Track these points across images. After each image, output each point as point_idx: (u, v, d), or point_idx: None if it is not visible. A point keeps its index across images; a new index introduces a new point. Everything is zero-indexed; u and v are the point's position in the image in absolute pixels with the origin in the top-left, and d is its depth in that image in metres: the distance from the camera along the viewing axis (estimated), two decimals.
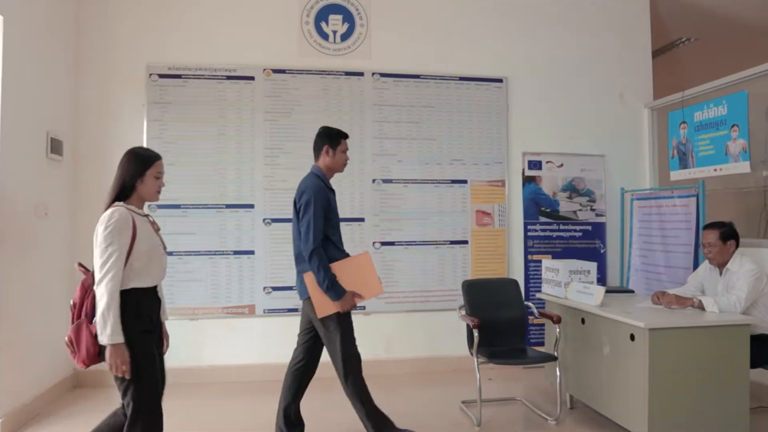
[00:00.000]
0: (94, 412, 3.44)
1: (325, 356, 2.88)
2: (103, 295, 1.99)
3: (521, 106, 4.53)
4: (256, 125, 4.16)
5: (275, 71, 4.19)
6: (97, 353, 2.07)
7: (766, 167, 3.87)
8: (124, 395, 2.10)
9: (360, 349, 4.08)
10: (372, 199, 4.27)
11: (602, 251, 4.60)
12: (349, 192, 4.23)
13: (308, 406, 2.98)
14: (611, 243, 4.64)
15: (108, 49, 4.05)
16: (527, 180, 4.51)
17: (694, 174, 4.28)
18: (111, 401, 3.66)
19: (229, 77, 4.14)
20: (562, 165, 4.57)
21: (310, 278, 2.70)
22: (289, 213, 4.16)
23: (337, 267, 2.70)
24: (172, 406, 3.55)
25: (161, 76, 4.07)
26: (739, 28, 5.46)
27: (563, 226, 4.55)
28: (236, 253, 4.11)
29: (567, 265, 3.45)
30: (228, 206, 4.11)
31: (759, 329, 3.03)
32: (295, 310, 4.18)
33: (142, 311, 2.11)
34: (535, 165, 4.53)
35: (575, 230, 4.57)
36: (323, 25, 4.28)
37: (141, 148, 2.25)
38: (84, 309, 2.09)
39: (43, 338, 3.55)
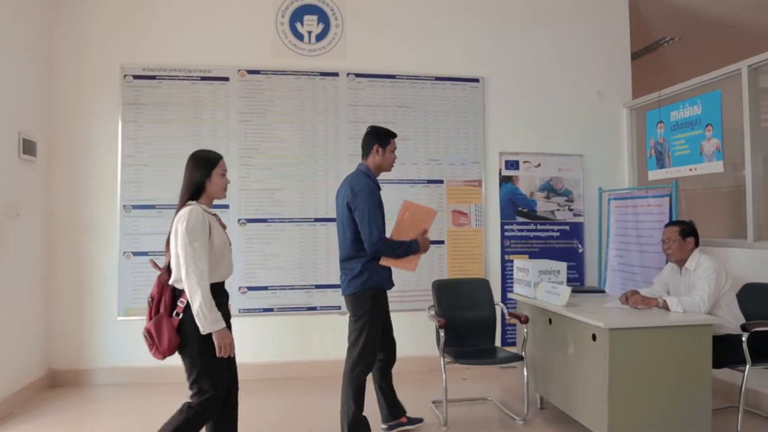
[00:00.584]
0: (68, 411, 3.47)
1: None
2: (196, 290, 2.12)
3: (498, 105, 4.52)
4: (230, 126, 4.17)
5: (250, 72, 4.20)
6: (177, 346, 2.20)
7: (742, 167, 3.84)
8: (193, 384, 2.23)
9: (337, 349, 4.13)
10: None
11: (580, 251, 4.59)
12: (324, 192, 4.24)
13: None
14: (589, 243, 4.63)
15: (82, 50, 4.07)
16: (504, 180, 4.51)
17: (671, 174, 4.27)
18: (86, 400, 3.69)
19: (203, 78, 4.15)
20: (539, 165, 4.56)
21: (387, 261, 2.86)
22: (264, 214, 4.25)
23: (393, 236, 2.89)
24: (145, 405, 3.59)
25: (136, 77, 4.08)
26: (722, 28, 5.43)
27: (541, 226, 4.54)
28: None
29: (537, 266, 3.45)
30: None
31: (723, 329, 3.02)
32: (271, 309, 4.20)
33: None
34: (512, 165, 4.52)
35: (553, 230, 4.56)
36: (298, 25, 4.29)
37: (203, 151, 2.40)
38: (163, 303, 2.23)
39: (17, 338, 3.57)
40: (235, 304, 4.13)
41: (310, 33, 4.30)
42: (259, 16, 4.25)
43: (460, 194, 4.43)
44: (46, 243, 3.94)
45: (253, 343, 4.14)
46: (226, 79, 4.17)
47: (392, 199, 4.31)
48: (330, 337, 4.23)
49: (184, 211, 2.23)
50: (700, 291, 2.98)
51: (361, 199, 2.79)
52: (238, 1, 4.24)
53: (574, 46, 4.68)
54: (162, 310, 2.22)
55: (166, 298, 2.24)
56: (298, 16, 4.29)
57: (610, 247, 4.42)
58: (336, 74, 4.31)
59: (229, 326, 2.28)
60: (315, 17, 4.31)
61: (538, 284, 3.37)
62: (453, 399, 3.61)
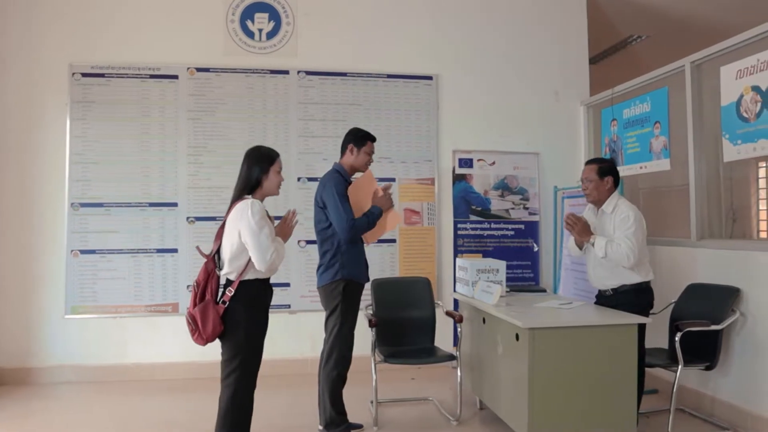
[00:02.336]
0: (14, 409, 3.46)
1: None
2: (269, 263, 2.32)
3: (452, 103, 4.49)
4: (179, 124, 4.16)
5: (199, 70, 4.19)
6: (220, 332, 2.29)
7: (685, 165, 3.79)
8: (233, 372, 2.34)
9: (286, 348, 4.12)
10: (297, 197, 4.26)
11: (535, 250, 4.56)
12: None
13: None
14: (545, 242, 4.59)
15: (30, 48, 4.07)
16: (458, 178, 4.48)
17: (623, 172, 4.22)
18: (33, 398, 3.69)
19: (152, 76, 4.15)
20: (494, 163, 4.53)
21: (373, 235, 3.02)
22: (213, 212, 4.24)
23: (352, 192, 2.92)
24: (94, 404, 3.60)
25: (84, 75, 4.08)
26: (687, 25, 5.38)
27: (495, 224, 4.51)
28: (159, 251, 4.12)
29: (475, 264, 3.42)
30: (151, 204, 4.12)
31: (634, 279, 2.93)
32: None
33: (259, 303, 2.38)
34: (466, 163, 4.49)
35: (507, 229, 4.52)
36: (249, 23, 4.28)
37: (263, 147, 2.52)
38: (209, 290, 2.31)
39: None
40: (183, 302, 4.14)
41: (261, 31, 4.29)
42: (210, 13, 4.24)
43: (412, 192, 4.40)
44: None
45: None
46: (176, 77, 4.17)
47: None
48: (279, 336, 4.20)
49: (246, 203, 2.32)
50: (626, 245, 2.84)
51: (328, 191, 2.87)
52: None
53: (531, 43, 4.64)
54: (208, 296, 2.30)
55: (213, 285, 2.32)
56: (248, 13, 4.28)
57: (563, 246, 4.38)
58: (287, 72, 4.29)
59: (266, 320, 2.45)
60: (266, 15, 4.29)
61: (476, 283, 3.34)
62: (396, 399, 3.59)
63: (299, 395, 3.57)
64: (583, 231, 2.99)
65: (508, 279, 4.47)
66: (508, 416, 2.86)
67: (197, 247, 2.52)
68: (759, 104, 3.07)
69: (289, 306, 4.18)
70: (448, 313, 3.41)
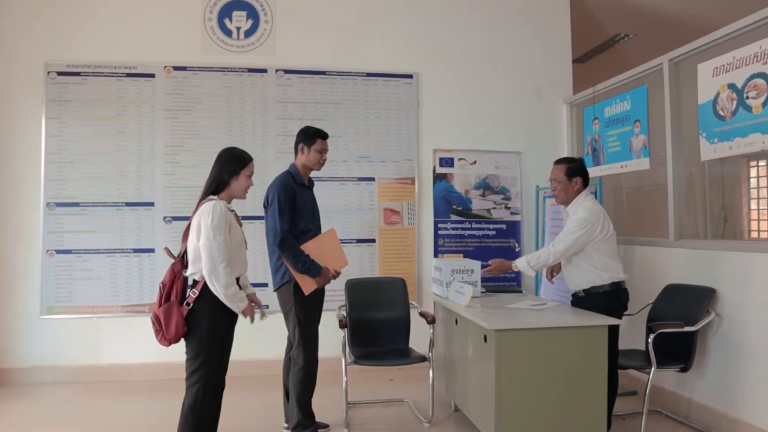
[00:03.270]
0: None
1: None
2: (224, 280, 2.25)
3: (433, 102, 4.45)
4: (156, 123, 4.13)
5: (176, 68, 4.16)
6: (183, 334, 2.29)
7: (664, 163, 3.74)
8: (194, 372, 2.33)
9: (263, 351, 4.08)
10: None
11: (517, 250, 4.51)
12: (251, 190, 4.16)
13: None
14: (528, 242, 4.55)
15: (5, 46, 4.04)
16: (438, 177, 4.44)
17: (604, 171, 4.19)
18: (7, 399, 3.65)
19: (129, 75, 4.12)
20: (475, 162, 4.49)
21: (289, 266, 2.81)
22: (190, 211, 4.08)
23: (308, 247, 2.81)
24: (71, 404, 3.58)
25: (60, 73, 4.05)
26: (673, 23, 5.32)
27: (476, 224, 4.47)
28: (136, 251, 4.09)
29: (449, 264, 3.38)
30: (128, 204, 4.09)
31: (587, 283, 2.90)
32: None
33: (223, 304, 2.32)
34: (447, 162, 4.45)
35: (489, 229, 4.48)
36: (227, 21, 4.24)
37: (237, 149, 2.51)
38: (174, 291, 2.32)
39: None
40: None
41: (239, 29, 4.26)
42: (187, 11, 4.21)
43: (392, 192, 4.37)
44: None
45: None
46: (152, 75, 4.13)
47: (318, 198, 4.26)
48: (256, 336, 4.17)
49: (208, 206, 2.31)
50: (557, 242, 2.83)
51: (271, 194, 2.87)
52: None
53: (514, 40, 4.60)
54: (173, 297, 2.30)
55: (178, 286, 2.32)
56: (226, 12, 4.24)
57: (544, 246, 4.34)
58: (264, 71, 4.26)
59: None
60: (244, 13, 4.26)
61: (450, 283, 3.31)
62: (371, 401, 3.56)
63: (277, 396, 3.52)
64: (501, 267, 3.05)
65: (489, 280, 4.51)
66: (477, 418, 2.83)
67: (165, 248, 2.51)
68: (734, 102, 3.02)
69: (267, 306, 4.13)
70: (421, 314, 3.37)
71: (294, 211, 2.81)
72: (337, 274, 2.90)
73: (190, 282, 2.34)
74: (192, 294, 2.29)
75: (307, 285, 2.81)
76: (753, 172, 4.95)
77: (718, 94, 3.13)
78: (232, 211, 2.44)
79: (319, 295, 2.94)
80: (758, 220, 4.90)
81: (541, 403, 2.63)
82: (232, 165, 2.43)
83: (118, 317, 4.07)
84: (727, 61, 3.07)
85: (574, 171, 2.91)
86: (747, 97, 2.95)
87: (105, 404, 3.58)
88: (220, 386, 2.43)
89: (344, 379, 3.11)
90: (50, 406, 3.57)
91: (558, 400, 2.64)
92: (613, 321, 2.83)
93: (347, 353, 3.17)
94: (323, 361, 2.98)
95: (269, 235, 2.88)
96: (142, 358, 4.07)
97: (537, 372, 2.63)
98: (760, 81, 2.88)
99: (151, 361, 4.07)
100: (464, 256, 4.39)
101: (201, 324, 2.29)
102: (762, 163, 4.50)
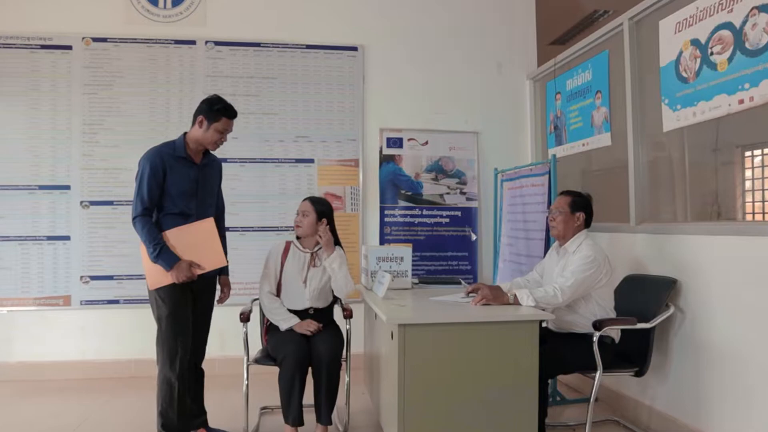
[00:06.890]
0: None
1: None
2: None
3: (380, 77, 4.05)
4: (72, 99, 3.78)
5: (96, 40, 3.81)
6: None
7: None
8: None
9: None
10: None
11: (473, 239, 4.09)
12: None
13: None
14: (485, 230, 4.13)
15: None
16: (385, 159, 4.04)
17: (567, 150, 3.76)
18: None
19: (43, 46, 3.78)
20: (426, 143, 4.07)
21: (143, 249, 2.42)
22: (110, 195, 3.84)
23: (173, 234, 2.42)
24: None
25: None
26: None
27: (427, 211, 4.05)
28: (50, 238, 3.74)
29: (375, 252, 2.98)
30: (41, 187, 3.75)
31: (581, 327, 2.54)
32: (116, 302, 3.81)
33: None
34: (395, 143, 4.05)
35: (441, 216, 4.07)
36: None
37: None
38: None
39: None
40: (76, 294, 3.76)
41: None
42: None
43: (333, 175, 3.97)
44: None
45: (95, 337, 3.77)
46: (69, 47, 3.79)
47: (251, 181, 3.91)
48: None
49: None
50: (564, 281, 2.48)
51: (138, 168, 2.46)
52: None
53: (470, 10, 4.18)
54: None
55: None
56: None
57: (502, 234, 3.91)
58: (193, 42, 3.89)
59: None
60: None
61: (375, 273, 2.91)
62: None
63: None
64: (498, 296, 2.46)
65: (442, 271, 4.10)
66: (385, 424, 2.42)
67: None
68: (698, 60, 2.59)
69: None
70: (343, 308, 2.96)
71: (161, 187, 2.40)
72: (204, 273, 2.46)
73: None
74: None
75: (156, 278, 2.39)
76: (748, 162, 4.49)
77: (680, 52, 2.69)
78: None
79: (202, 287, 2.55)
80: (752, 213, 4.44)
81: (456, 410, 2.22)
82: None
83: (29, 311, 3.72)
84: (690, 14, 2.64)
85: (579, 205, 2.68)
86: (711, 53, 2.51)
87: (13, 406, 3.23)
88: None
89: (245, 382, 2.72)
90: None
91: (480, 405, 2.23)
92: (547, 315, 2.43)
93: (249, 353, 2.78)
94: (237, 361, 2.58)
95: None
96: (56, 356, 3.73)
97: (451, 374, 2.22)
98: (725, 33, 2.45)
99: (67, 359, 3.74)
100: (414, 246, 3.96)
101: None
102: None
